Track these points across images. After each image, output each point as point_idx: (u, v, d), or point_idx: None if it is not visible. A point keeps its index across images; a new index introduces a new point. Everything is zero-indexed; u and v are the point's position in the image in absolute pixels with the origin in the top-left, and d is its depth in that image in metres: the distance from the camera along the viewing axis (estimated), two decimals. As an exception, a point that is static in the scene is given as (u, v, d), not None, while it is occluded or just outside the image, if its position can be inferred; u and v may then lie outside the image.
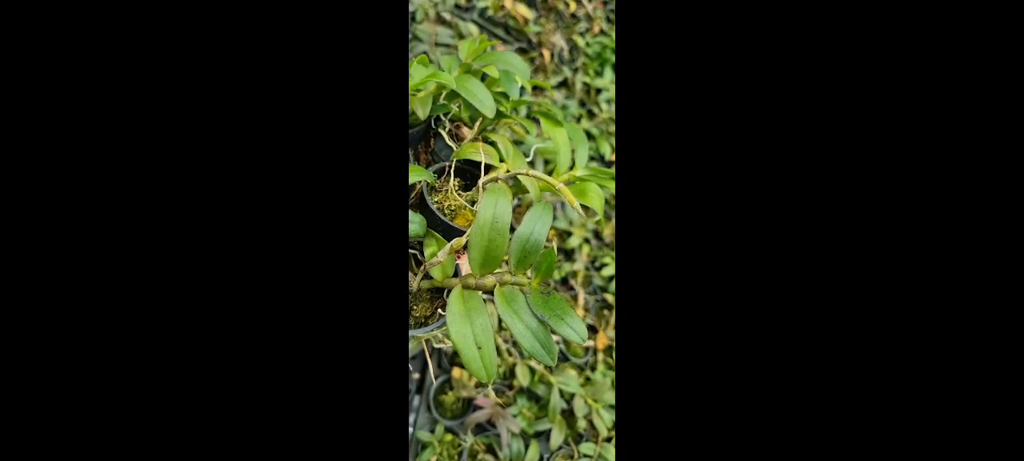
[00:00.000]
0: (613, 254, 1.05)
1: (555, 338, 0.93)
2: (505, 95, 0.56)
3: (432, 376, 0.82)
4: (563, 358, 0.92)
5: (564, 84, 1.20)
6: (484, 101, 0.49)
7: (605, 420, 0.86)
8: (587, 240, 1.06)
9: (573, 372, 0.91)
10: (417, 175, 0.46)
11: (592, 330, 0.98)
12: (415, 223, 0.45)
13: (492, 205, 0.41)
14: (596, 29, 1.32)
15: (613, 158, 1.15)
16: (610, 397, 0.87)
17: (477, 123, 0.56)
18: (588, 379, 0.92)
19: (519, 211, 0.69)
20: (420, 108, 0.52)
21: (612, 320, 0.99)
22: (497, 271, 0.42)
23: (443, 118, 0.56)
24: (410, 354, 0.83)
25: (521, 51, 1.19)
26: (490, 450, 0.81)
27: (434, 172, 0.51)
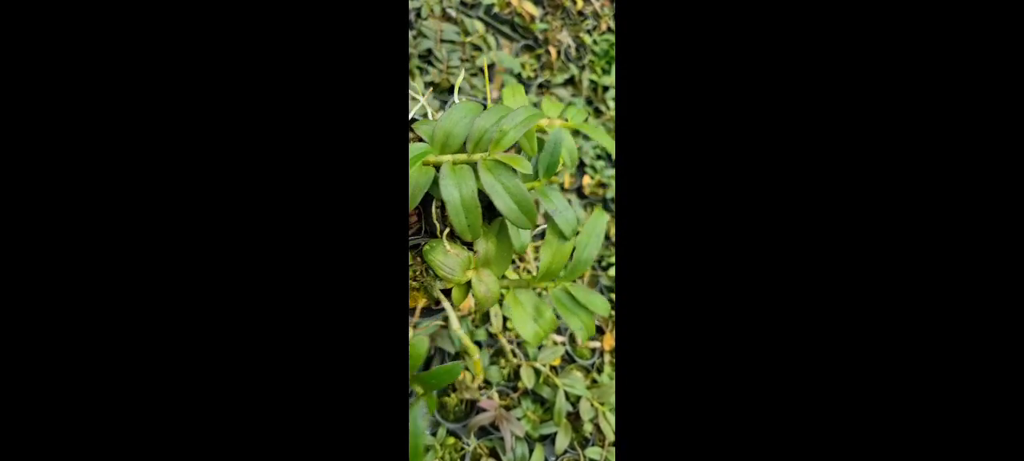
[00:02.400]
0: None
1: (560, 339, 0.91)
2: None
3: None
4: (569, 359, 0.90)
5: (571, 82, 1.19)
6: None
7: (612, 423, 0.83)
8: (594, 240, 1.04)
9: (579, 374, 0.89)
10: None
11: (599, 331, 0.96)
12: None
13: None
14: (603, 26, 1.30)
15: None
16: (617, 400, 0.85)
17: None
18: (594, 381, 0.90)
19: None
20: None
21: (619, 321, 0.97)
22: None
23: None
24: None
25: (527, 48, 1.17)
26: (493, 454, 0.79)
27: None
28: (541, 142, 0.52)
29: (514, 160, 0.44)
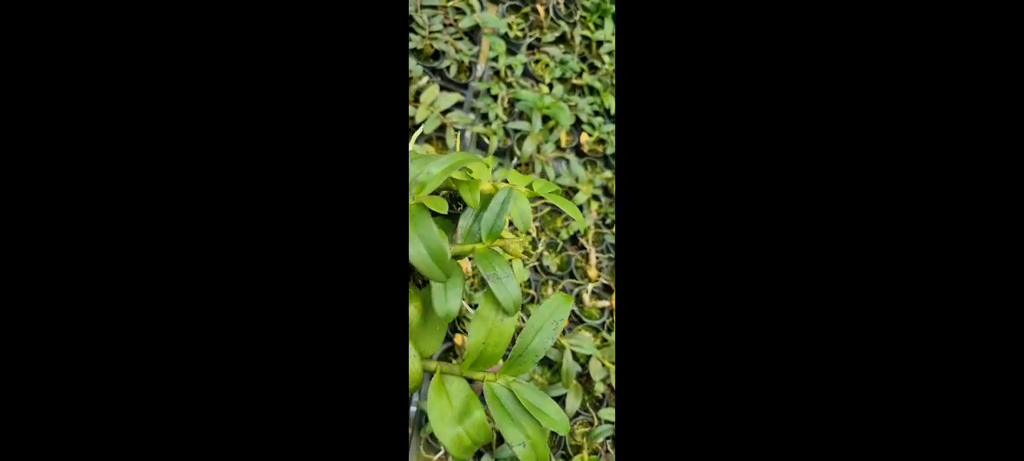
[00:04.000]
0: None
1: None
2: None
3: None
4: (577, 319, 0.86)
5: (562, 39, 1.14)
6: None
7: (624, 381, 0.80)
8: (596, 197, 1.00)
9: (587, 334, 0.85)
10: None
11: (607, 290, 0.92)
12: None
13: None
14: (593, -19, 1.25)
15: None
16: (628, 356, 0.81)
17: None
18: (604, 340, 0.86)
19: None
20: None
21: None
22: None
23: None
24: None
25: (514, 8, 1.13)
26: (501, 420, 0.76)
27: None
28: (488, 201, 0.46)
29: (432, 201, 0.39)
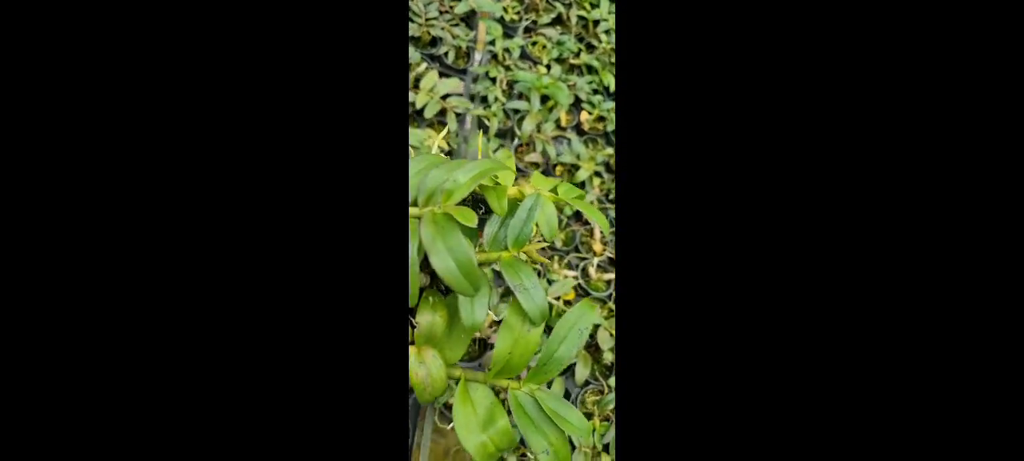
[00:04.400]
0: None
1: (572, 274, 0.89)
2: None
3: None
4: (584, 292, 0.88)
5: (559, 20, 1.15)
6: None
7: (632, 348, 0.81)
8: (598, 173, 1.01)
9: (595, 305, 0.86)
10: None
11: (612, 263, 0.94)
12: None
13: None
14: (587, -39, 1.26)
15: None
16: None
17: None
18: (611, 311, 0.87)
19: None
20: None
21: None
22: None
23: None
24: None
25: (509, -8, 1.14)
26: (512, 391, 0.77)
27: None
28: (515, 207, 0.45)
29: (459, 212, 0.38)
